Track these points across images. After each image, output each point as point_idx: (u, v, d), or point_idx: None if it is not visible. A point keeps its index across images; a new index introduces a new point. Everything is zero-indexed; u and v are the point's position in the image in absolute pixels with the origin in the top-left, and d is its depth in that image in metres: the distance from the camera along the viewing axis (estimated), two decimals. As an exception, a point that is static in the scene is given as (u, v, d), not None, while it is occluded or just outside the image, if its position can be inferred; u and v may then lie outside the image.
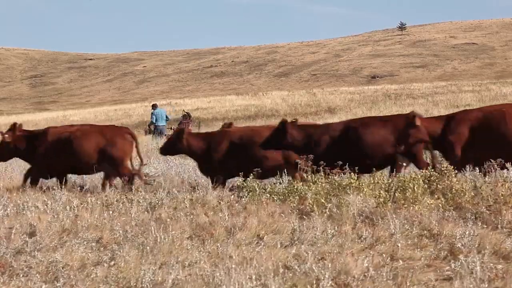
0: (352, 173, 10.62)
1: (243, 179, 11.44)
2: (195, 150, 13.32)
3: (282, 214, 9.38)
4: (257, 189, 10.64)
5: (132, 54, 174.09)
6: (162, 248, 7.92)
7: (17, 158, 14.01)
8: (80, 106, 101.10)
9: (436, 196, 9.66)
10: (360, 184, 10.01)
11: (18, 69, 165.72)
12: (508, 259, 7.40)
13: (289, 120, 12.73)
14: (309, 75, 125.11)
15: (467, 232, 7.91)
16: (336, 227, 8.56)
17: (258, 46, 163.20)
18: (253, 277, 6.62)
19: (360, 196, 9.65)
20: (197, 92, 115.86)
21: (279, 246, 7.95)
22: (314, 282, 6.62)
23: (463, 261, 6.88)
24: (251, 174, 11.45)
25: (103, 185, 13.12)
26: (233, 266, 6.90)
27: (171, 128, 31.76)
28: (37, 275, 7.15)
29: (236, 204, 10.18)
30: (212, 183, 12.40)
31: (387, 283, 6.65)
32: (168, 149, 13.78)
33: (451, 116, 12.31)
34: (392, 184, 10.01)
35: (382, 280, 6.68)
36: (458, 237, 7.86)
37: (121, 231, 8.62)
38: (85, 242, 8.30)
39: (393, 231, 8.21)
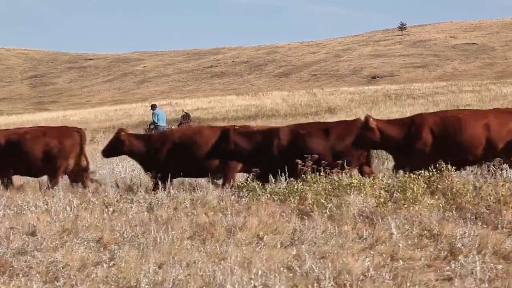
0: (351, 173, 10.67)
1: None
2: (136, 151, 13.39)
3: (282, 214, 9.38)
4: (257, 189, 10.65)
5: (132, 54, 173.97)
6: (162, 248, 7.92)
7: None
8: (80, 106, 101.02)
9: (436, 196, 9.66)
10: (361, 184, 10.01)
11: (18, 69, 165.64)
12: (508, 259, 7.39)
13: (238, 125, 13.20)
14: (309, 75, 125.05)
15: (467, 232, 7.91)
16: (336, 227, 8.56)
17: (258, 46, 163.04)
18: (254, 277, 6.61)
19: (361, 196, 9.66)
20: (197, 92, 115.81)
21: (279, 246, 7.95)
22: (315, 282, 6.62)
23: (463, 261, 6.88)
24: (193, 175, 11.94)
25: (49, 184, 13.33)
26: (233, 266, 6.89)
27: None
28: (37, 275, 7.15)
29: (236, 204, 10.19)
30: (156, 183, 12.57)
31: (387, 283, 6.65)
32: (110, 151, 13.81)
33: (408, 120, 12.38)
34: (392, 184, 10.02)
35: (382, 280, 6.68)
36: (458, 237, 7.86)
37: (121, 231, 8.62)
38: (85, 242, 8.30)
39: (393, 231, 8.20)
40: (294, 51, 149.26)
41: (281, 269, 6.97)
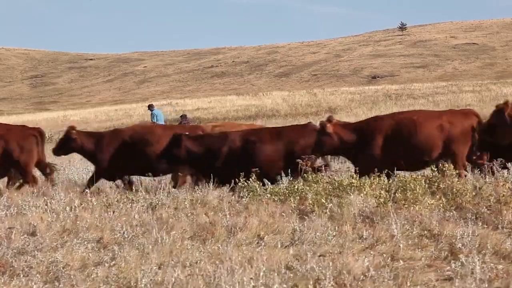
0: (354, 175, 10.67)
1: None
2: (87, 149, 13.36)
3: (282, 214, 9.38)
4: (258, 189, 10.65)
5: (132, 54, 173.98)
6: (162, 248, 7.92)
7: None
8: (81, 106, 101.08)
9: (437, 196, 9.66)
10: (361, 184, 10.01)
11: (19, 69, 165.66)
12: (509, 259, 7.39)
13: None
14: (309, 75, 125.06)
15: (467, 232, 7.91)
16: (336, 227, 8.56)
17: (259, 46, 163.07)
18: (254, 277, 6.61)
19: (361, 196, 9.65)
20: (197, 92, 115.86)
21: (279, 246, 7.94)
22: (315, 282, 6.62)
23: (463, 261, 6.87)
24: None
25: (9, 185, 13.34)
26: (234, 266, 6.89)
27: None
28: (38, 275, 7.15)
29: (237, 204, 10.19)
30: (116, 183, 12.65)
31: (387, 283, 6.65)
32: (60, 149, 13.74)
33: (363, 124, 12.37)
34: (392, 184, 10.02)
35: (382, 280, 6.68)
36: (458, 237, 7.86)
37: (121, 231, 8.62)
38: (85, 242, 8.30)
39: (393, 231, 8.20)
40: (295, 51, 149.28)
41: (282, 269, 6.97)
